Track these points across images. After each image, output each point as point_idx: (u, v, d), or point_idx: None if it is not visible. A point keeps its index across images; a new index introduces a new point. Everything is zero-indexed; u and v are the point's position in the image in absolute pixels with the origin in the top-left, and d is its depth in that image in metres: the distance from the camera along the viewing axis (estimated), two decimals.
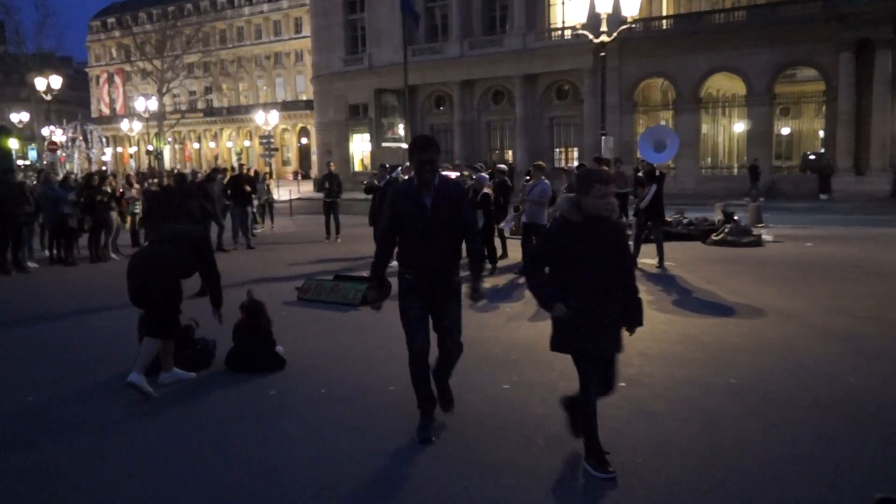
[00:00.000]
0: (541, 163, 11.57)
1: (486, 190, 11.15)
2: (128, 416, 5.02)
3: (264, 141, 30.14)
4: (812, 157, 33.82)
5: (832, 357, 6.04)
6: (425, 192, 4.33)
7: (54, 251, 13.08)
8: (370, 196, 12.82)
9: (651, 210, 10.90)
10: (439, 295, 4.38)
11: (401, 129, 34.38)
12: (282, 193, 29.65)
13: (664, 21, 33.03)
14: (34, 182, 14.57)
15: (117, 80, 73.60)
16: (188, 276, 5.64)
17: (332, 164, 18.02)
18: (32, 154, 43.35)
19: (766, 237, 14.14)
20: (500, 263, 11.33)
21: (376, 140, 36.19)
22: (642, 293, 9.78)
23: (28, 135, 47.28)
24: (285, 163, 63.96)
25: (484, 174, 13.20)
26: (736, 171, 33.36)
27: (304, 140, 63.06)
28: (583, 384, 3.92)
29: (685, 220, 15.09)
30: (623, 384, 5.33)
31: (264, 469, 4.07)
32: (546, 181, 10.64)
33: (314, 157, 52.39)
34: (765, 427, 4.50)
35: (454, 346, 4.51)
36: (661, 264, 10.90)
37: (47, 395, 5.50)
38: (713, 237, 13.82)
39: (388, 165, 14.75)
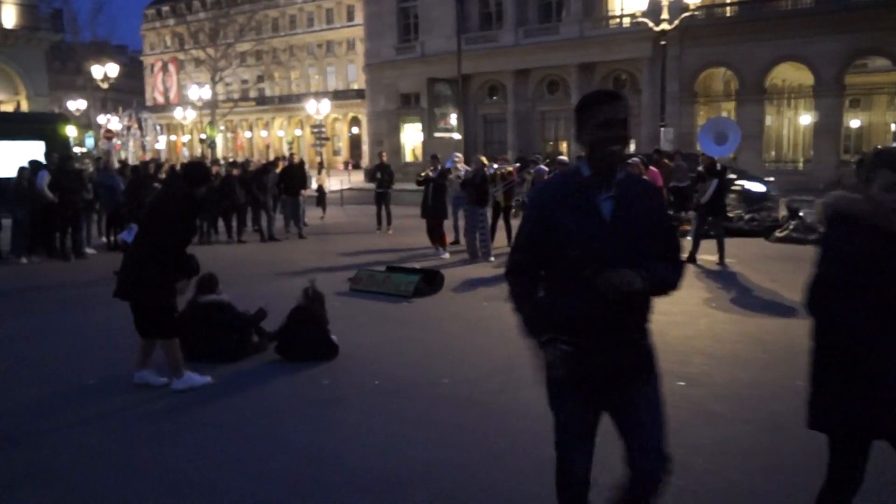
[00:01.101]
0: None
1: None
2: (184, 402, 5.10)
3: (315, 130, 30.40)
4: None
5: None
6: (601, 191, 2.45)
7: (111, 237, 13.45)
8: (422, 188, 12.77)
9: (711, 205, 10.64)
10: (622, 374, 2.51)
11: (453, 119, 34.29)
12: (332, 184, 29.96)
13: (727, 8, 31.93)
14: (91, 169, 15.00)
15: (171, 68, 75.09)
16: (168, 258, 5.13)
17: (383, 154, 18.05)
18: (90, 142, 44.68)
19: None
20: None
21: (428, 130, 36.13)
22: (701, 289, 9.36)
23: (84, 122, 48.76)
24: (336, 152, 64.55)
25: (542, 166, 12.99)
26: (801, 165, 32.13)
27: (355, 129, 63.48)
28: (850, 479, 2.78)
29: (747, 216, 14.65)
30: (682, 383, 5.19)
31: (319, 458, 4.10)
32: None
33: (365, 147, 52.69)
34: None
35: (658, 463, 2.57)
36: (721, 261, 10.63)
37: (102, 378, 5.61)
38: (777, 234, 13.37)
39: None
